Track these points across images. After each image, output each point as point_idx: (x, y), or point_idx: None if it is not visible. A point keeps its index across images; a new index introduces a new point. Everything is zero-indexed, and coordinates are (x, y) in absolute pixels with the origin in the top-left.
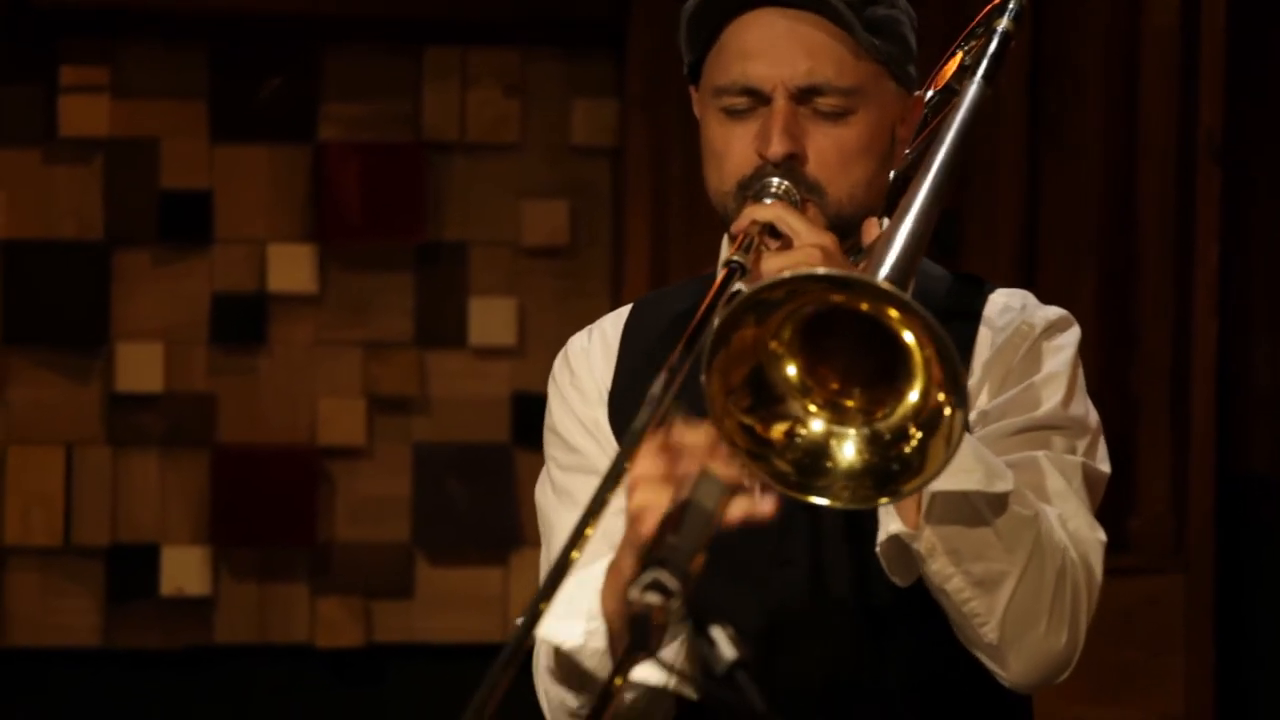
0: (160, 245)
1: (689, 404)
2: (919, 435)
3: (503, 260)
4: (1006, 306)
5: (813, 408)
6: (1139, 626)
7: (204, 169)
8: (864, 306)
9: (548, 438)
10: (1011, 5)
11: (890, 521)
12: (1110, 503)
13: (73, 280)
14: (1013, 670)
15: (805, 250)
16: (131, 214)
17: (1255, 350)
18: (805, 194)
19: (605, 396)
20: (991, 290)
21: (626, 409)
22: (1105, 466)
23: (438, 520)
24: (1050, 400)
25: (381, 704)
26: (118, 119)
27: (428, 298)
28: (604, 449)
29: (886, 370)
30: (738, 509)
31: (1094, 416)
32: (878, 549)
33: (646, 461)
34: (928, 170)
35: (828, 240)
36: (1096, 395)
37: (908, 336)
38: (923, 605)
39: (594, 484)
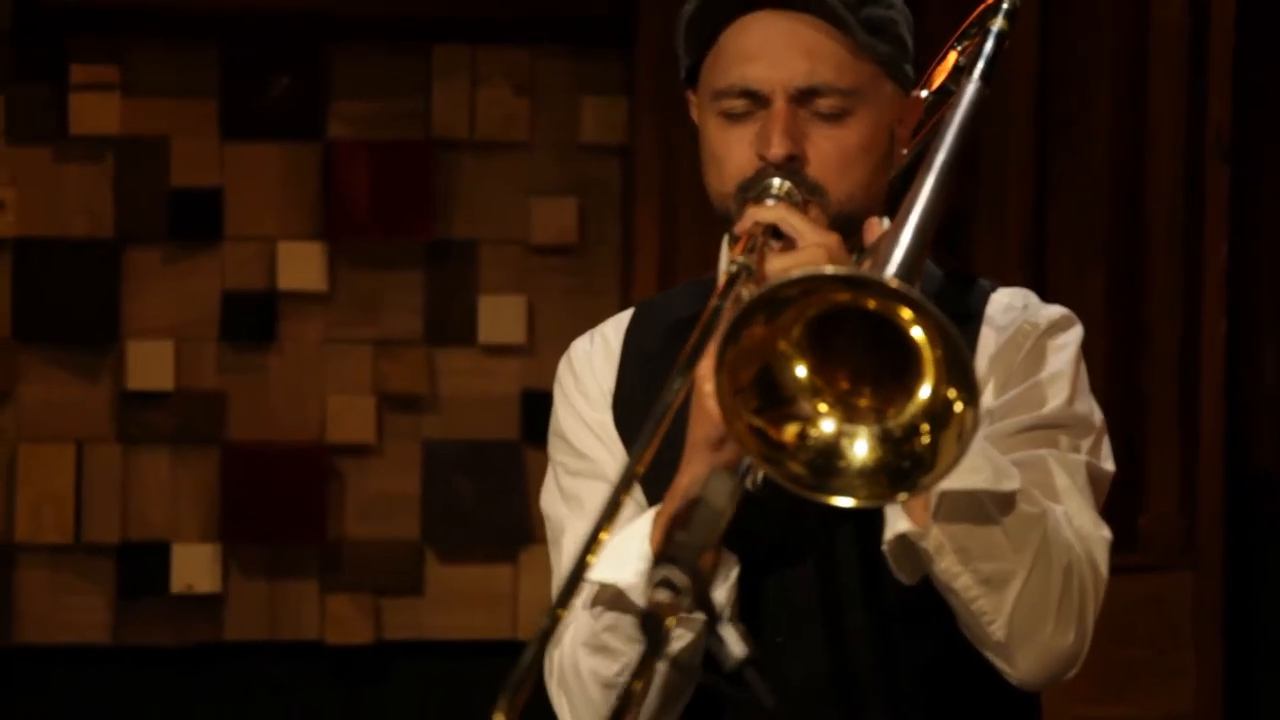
0: (170, 243)
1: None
2: (931, 431)
3: (512, 258)
4: (1008, 306)
5: (823, 408)
6: (1147, 625)
7: (214, 167)
8: (872, 305)
9: (553, 443)
10: (1005, 5)
11: (897, 520)
12: (1119, 501)
13: (83, 278)
14: (1020, 668)
15: (810, 250)
16: (141, 212)
17: (1264, 349)
18: (807, 195)
19: (610, 400)
20: (992, 290)
21: (630, 413)
22: (1110, 464)
23: (447, 518)
24: (1055, 399)
25: (391, 701)
26: (128, 117)
27: (437, 295)
28: (611, 453)
29: (896, 368)
30: None
31: (1098, 414)
32: (884, 548)
33: (709, 360)
34: (929, 169)
35: (832, 240)
36: (1105, 394)
37: (917, 334)
38: (930, 603)
39: (602, 489)
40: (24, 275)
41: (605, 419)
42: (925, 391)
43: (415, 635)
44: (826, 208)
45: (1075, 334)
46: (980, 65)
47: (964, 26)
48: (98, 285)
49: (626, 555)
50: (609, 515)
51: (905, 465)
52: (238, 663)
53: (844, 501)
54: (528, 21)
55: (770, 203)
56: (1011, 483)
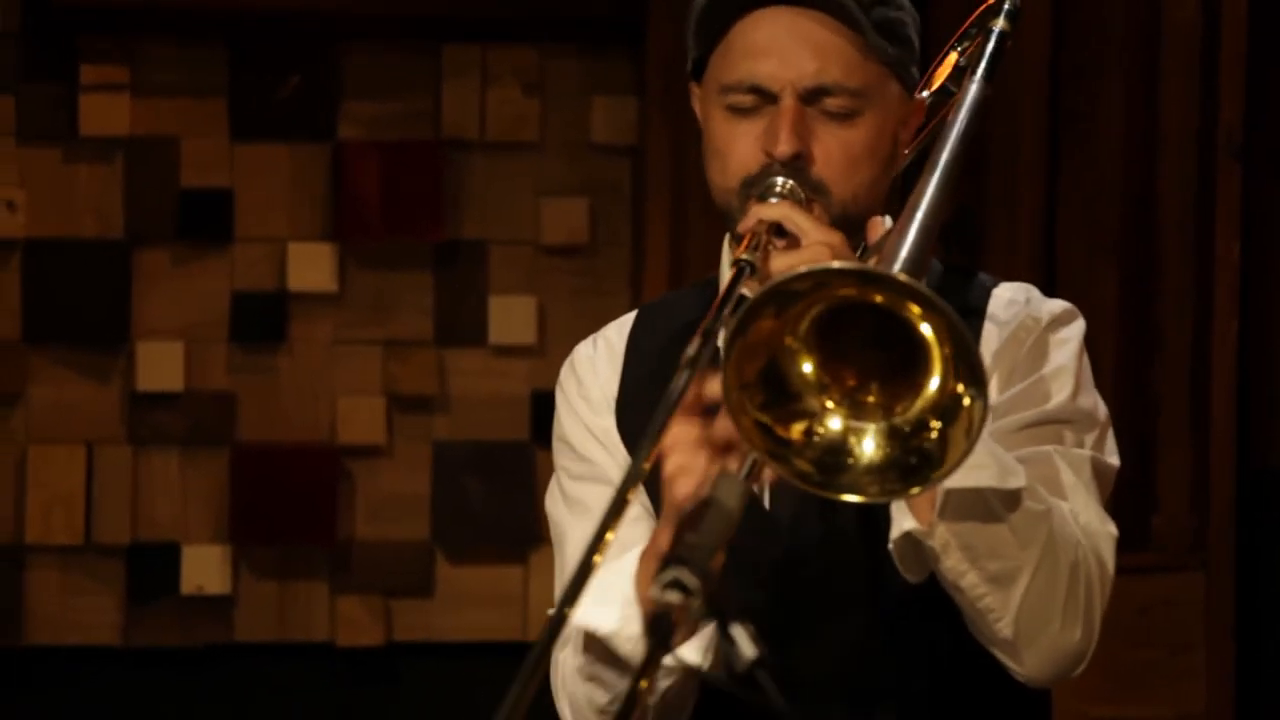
0: (180, 244)
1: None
2: (939, 426)
3: (522, 259)
4: (1010, 300)
5: (830, 404)
6: (1159, 624)
7: (224, 168)
8: (879, 300)
9: (558, 447)
10: (1006, 5)
11: (903, 519)
12: (1131, 500)
13: (93, 279)
14: (1028, 665)
15: (814, 248)
16: (152, 213)
17: (1276, 348)
18: (810, 194)
19: (613, 404)
20: (994, 285)
21: (633, 416)
22: (1114, 459)
23: (457, 519)
24: (1059, 394)
25: (400, 702)
26: (138, 118)
27: (447, 296)
28: (614, 457)
29: (903, 364)
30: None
31: (1102, 409)
32: (890, 546)
33: (680, 426)
34: (933, 169)
35: (835, 238)
36: (1116, 393)
37: (925, 329)
38: (937, 601)
39: (607, 493)
40: (34, 276)
41: (608, 424)
42: (933, 387)
43: (425, 636)
44: (830, 207)
45: (1078, 328)
46: (983, 65)
47: (964, 27)
48: (108, 286)
49: (612, 596)
50: (614, 515)
51: (913, 461)
52: (248, 664)
53: (852, 498)
54: (538, 21)
55: (774, 200)
56: (1017, 480)
